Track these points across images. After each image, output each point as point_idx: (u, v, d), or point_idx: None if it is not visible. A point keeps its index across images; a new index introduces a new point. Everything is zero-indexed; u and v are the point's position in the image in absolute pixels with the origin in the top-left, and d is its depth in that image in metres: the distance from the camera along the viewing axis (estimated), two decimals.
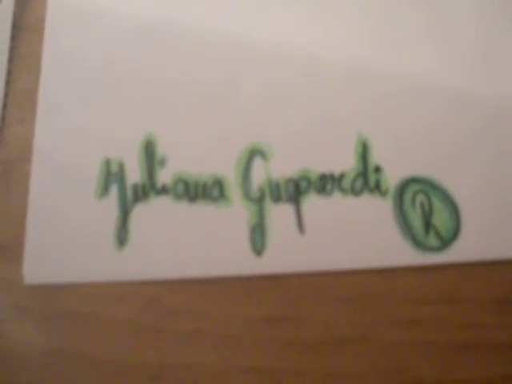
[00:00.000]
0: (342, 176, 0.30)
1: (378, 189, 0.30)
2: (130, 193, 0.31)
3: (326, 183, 0.30)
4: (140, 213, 0.31)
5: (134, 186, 0.31)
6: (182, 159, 0.31)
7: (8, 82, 0.34)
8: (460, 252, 0.29)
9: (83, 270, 0.30)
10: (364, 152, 0.31)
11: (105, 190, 0.31)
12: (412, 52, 0.33)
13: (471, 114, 0.31)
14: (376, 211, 0.30)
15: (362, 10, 0.34)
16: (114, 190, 0.31)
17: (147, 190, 0.31)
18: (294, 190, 0.30)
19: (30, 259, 0.30)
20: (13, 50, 0.35)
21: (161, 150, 0.32)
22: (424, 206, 0.30)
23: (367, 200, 0.30)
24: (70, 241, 0.30)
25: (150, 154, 0.32)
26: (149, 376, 0.28)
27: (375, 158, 0.31)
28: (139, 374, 0.28)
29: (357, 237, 0.29)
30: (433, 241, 0.29)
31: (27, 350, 0.29)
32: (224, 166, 0.31)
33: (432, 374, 0.27)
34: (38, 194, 0.31)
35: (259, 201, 0.30)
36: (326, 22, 0.34)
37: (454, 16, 0.33)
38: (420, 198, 0.30)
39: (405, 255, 0.29)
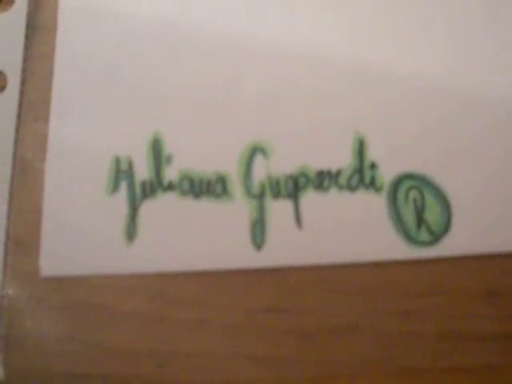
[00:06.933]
0: (338, 172, 0.31)
1: (372, 185, 0.31)
2: (138, 189, 0.32)
3: (324, 179, 0.31)
4: (148, 209, 0.32)
5: (143, 182, 0.32)
6: (187, 157, 0.32)
7: (23, 82, 0.35)
8: (450, 246, 0.30)
9: (95, 263, 0.31)
10: (360, 149, 0.32)
11: (115, 186, 0.32)
12: (409, 52, 0.33)
13: (465, 114, 0.32)
14: (371, 207, 0.31)
15: (359, 9, 0.34)
16: (123, 186, 0.32)
17: (155, 186, 0.32)
18: (293, 187, 0.31)
19: (46, 253, 0.32)
20: (27, 49, 0.36)
21: (167, 148, 0.33)
22: (417, 201, 0.31)
23: (362, 196, 0.31)
24: (83, 235, 0.32)
25: (157, 152, 0.33)
26: (156, 363, 0.30)
27: (371, 155, 0.31)
28: (147, 361, 0.30)
29: (352, 231, 0.30)
30: (424, 235, 0.30)
31: (43, 339, 0.30)
32: (227, 163, 0.32)
33: (422, 363, 0.29)
34: (53, 190, 0.33)
35: (260, 197, 0.31)
36: (327, 22, 0.34)
37: (457, 16, 0.34)
38: (413, 193, 0.31)
39: (397, 249, 0.30)
